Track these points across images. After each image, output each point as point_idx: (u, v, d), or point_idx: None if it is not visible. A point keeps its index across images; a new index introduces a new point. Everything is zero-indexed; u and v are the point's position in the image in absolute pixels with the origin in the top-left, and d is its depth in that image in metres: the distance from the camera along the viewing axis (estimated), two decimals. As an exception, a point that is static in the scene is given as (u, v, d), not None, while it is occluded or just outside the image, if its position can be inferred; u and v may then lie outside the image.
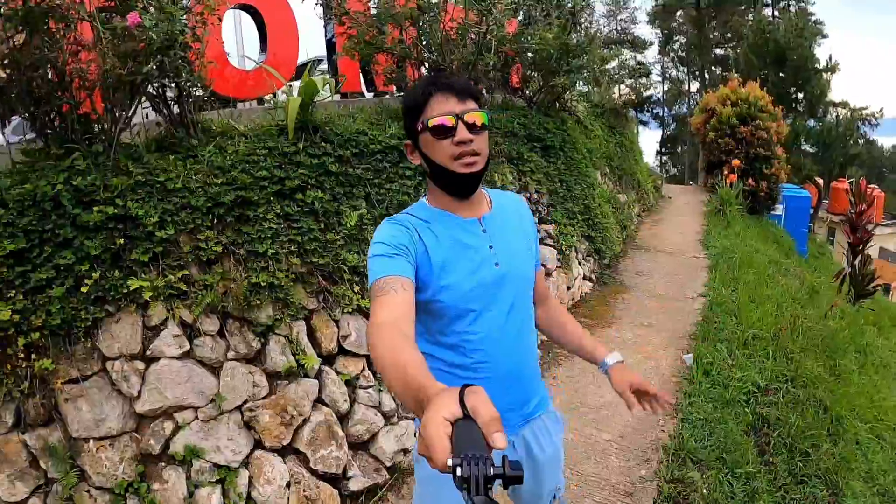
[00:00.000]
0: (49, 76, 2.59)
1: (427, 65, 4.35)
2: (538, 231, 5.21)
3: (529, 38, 5.00)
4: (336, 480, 3.16)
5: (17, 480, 2.44)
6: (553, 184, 5.61)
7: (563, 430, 1.80)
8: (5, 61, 2.50)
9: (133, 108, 2.88)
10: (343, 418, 3.30)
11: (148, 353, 2.77)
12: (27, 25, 2.49)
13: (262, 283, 3.03)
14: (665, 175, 27.37)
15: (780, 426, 3.83)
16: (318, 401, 3.24)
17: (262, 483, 2.89)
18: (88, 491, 2.55)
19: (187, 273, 2.88)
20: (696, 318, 5.23)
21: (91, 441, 2.59)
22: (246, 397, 2.96)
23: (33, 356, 2.49)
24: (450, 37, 4.08)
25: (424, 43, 4.19)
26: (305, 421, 3.12)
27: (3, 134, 2.72)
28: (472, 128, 1.41)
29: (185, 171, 2.97)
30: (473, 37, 4.34)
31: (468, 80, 1.58)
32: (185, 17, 2.81)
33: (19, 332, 2.46)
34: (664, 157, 38.93)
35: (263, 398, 3.02)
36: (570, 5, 6.18)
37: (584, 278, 5.96)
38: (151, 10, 2.73)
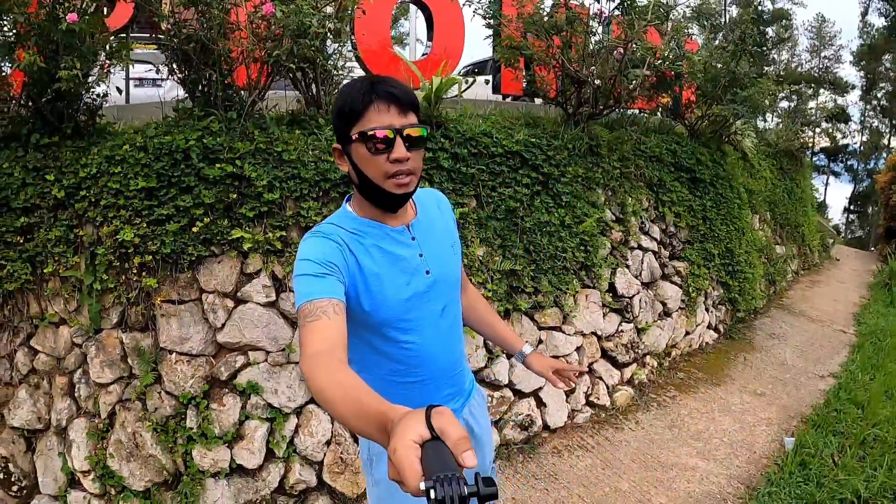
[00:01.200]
0: (200, 49, 2.66)
1: (568, 76, 3.87)
2: (667, 267, 4.53)
3: (695, 60, 4.23)
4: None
5: (107, 367, 2.60)
6: (695, 219, 4.70)
7: (485, 399, 1.67)
8: (172, 32, 2.63)
9: (266, 85, 2.89)
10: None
11: (239, 294, 2.79)
12: (192, 4, 2.58)
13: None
14: (846, 236, 22.85)
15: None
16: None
17: (306, 434, 2.80)
18: (159, 393, 2.64)
19: (284, 234, 2.85)
20: (818, 401, 4.14)
21: (174, 354, 2.68)
22: (310, 353, 2.89)
23: (143, 274, 2.62)
24: (592, 51, 3.59)
25: (566, 55, 3.72)
26: (360, 388, 2.98)
27: (160, 92, 2.88)
28: (410, 145, 1.17)
29: (304, 146, 2.93)
30: (622, 52, 3.78)
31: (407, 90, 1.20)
32: (320, 9, 2.73)
33: (137, 252, 2.60)
34: (851, 216, 32.51)
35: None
36: (768, 35, 5.17)
37: (710, 327, 4.96)
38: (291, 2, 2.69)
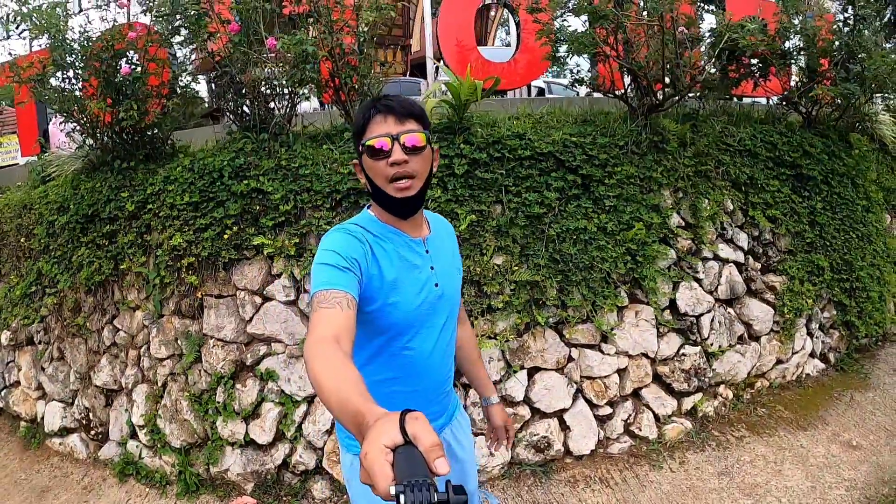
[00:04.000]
0: (231, 81, 3.15)
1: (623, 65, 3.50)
2: (755, 281, 3.85)
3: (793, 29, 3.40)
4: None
5: (163, 345, 3.30)
6: (800, 224, 3.83)
7: (469, 424, 1.77)
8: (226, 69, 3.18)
9: (289, 106, 3.27)
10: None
11: (265, 292, 3.28)
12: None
13: (353, 263, 3.17)
14: None
15: None
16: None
17: (311, 422, 3.18)
18: (199, 370, 3.27)
19: (299, 241, 3.23)
20: None
21: (212, 339, 3.28)
22: (321, 350, 3.24)
23: (190, 272, 3.26)
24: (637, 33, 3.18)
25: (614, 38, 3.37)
26: (364, 386, 3.23)
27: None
28: (408, 149, 1.31)
29: (321, 160, 3.25)
30: (684, 31, 3.29)
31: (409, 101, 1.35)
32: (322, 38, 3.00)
33: (185, 254, 3.24)
34: None
35: (335, 355, 3.24)
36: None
37: (814, 355, 4.04)
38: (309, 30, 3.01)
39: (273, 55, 3.09)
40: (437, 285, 1.43)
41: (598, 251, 3.32)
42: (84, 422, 3.54)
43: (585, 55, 3.47)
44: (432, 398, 1.51)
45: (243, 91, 3.23)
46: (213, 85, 3.78)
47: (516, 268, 3.28)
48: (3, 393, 4.09)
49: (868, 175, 4.33)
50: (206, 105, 8.31)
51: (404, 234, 1.42)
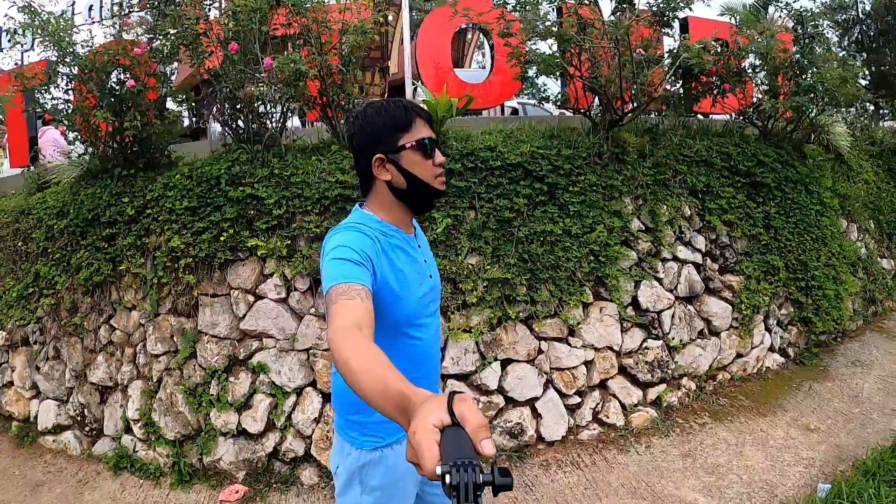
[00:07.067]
0: (228, 96, 3.53)
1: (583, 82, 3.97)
2: (713, 280, 4.30)
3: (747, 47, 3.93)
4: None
5: (159, 342, 3.61)
6: (755, 228, 4.36)
7: None
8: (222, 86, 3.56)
9: (281, 120, 3.66)
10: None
11: (257, 291, 3.60)
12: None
13: (341, 263, 3.52)
14: None
15: None
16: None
17: (300, 411, 3.49)
18: (194, 365, 3.56)
19: (290, 243, 3.57)
20: (884, 442, 3.56)
21: (206, 335, 3.58)
22: (311, 345, 3.56)
23: (187, 273, 3.57)
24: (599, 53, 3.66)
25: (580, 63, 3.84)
26: (351, 378, 3.54)
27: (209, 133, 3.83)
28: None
29: (311, 169, 3.63)
30: (642, 52, 3.78)
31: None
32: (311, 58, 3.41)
33: (182, 255, 3.56)
34: None
35: (325, 350, 3.56)
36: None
37: (774, 350, 4.53)
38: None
39: (266, 73, 3.47)
40: (430, 276, 1.59)
41: (564, 252, 3.74)
42: (78, 419, 3.79)
43: (552, 75, 3.93)
44: (431, 385, 1.60)
45: (238, 106, 3.60)
46: (193, 104, 4.14)
47: (489, 267, 3.67)
48: (-6, 394, 4.29)
49: (823, 182, 4.88)
50: (186, 124, 8.65)
51: (402, 231, 1.54)
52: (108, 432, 3.72)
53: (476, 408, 0.81)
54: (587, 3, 3.88)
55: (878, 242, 6.04)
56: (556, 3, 4.11)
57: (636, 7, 3.73)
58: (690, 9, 3.91)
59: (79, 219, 3.72)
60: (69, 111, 3.57)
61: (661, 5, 3.85)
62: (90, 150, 3.72)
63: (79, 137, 3.68)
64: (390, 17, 5.39)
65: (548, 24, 3.83)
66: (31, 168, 4.62)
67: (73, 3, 5.55)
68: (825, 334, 4.81)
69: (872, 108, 6.58)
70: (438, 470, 0.72)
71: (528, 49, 3.98)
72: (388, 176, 1.48)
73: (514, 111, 5.46)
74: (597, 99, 4.02)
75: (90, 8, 5.01)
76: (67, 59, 3.51)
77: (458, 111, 3.84)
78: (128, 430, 3.67)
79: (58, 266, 3.82)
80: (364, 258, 1.34)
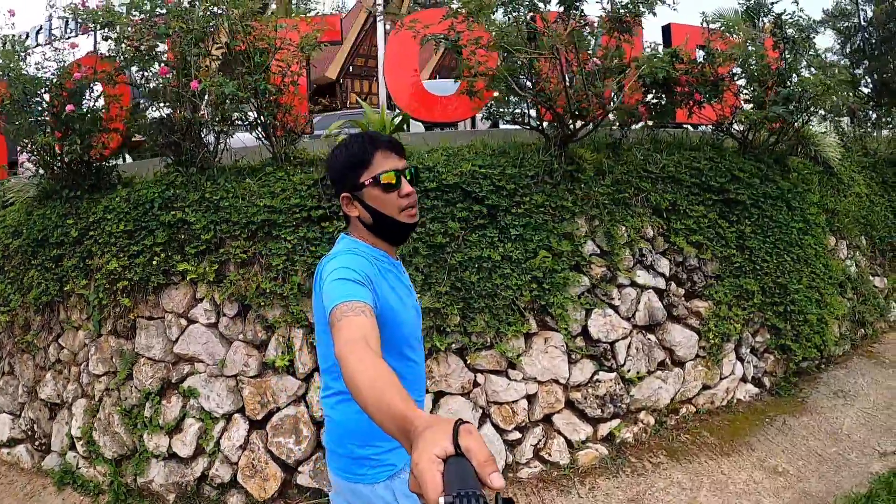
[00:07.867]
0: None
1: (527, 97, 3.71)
2: (676, 307, 3.95)
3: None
4: (290, 468, 3.47)
5: (100, 363, 3.73)
6: (727, 249, 3.93)
7: None
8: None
9: (216, 143, 3.65)
10: (320, 424, 3.48)
11: (189, 315, 3.64)
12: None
13: (268, 291, 3.49)
14: None
15: None
16: (302, 399, 3.55)
17: (227, 438, 3.51)
18: (130, 386, 3.66)
19: (218, 268, 3.57)
20: (862, 488, 3.12)
21: (143, 358, 3.66)
22: (238, 371, 3.56)
23: (124, 295, 3.65)
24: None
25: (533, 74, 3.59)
26: (278, 409, 3.51)
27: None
28: (410, 181, 1.50)
29: (242, 192, 3.60)
30: (597, 62, 3.49)
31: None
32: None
33: (119, 278, 3.64)
34: None
35: (252, 377, 3.55)
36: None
37: (747, 380, 4.10)
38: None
39: (196, 95, 3.46)
40: (417, 299, 1.64)
41: (502, 279, 3.53)
42: (30, 433, 4.01)
43: (498, 89, 3.69)
44: (419, 403, 1.59)
45: (174, 127, 3.62)
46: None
47: (419, 296, 3.52)
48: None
49: (808, 197, 4.38)
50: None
51: (390, 257, 1.56)
52: (55, 448, 3.91)
53: (482, 439, 0.80)
54: (540, 10, 3.61)
55: (869, 260, 5.41)
56: (511, 13, 3.84)
57: (581, 11, 3.41)
58: (654, 13, 3.55)
59: (30, 239, 3.90)
60: (19, 133, 3.72)
61: (618, 9, 3.52)
62: (40, 171, 3.87)
63: (30, 159, 3.84)
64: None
65: (493, 34, 3.59)
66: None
67: (26, 33, 5.77)
68: (806, 361, 4.34)
69: (874, 116, 5.85)
70: (441, 501, 0.71)
71: (474, 62, 3.76)
72: (356, 212, 1.52)
73: (495, 123, 5.21)
74: (548, 112, 3.74)
75: (38, 32, 5.21)
76: (16, 87, 3.64)
77: (393, 128, 3.68)
78: (72, 446, 3.83)
79: (13, 284, 4.03)
80: (365, 278, 1.37)
